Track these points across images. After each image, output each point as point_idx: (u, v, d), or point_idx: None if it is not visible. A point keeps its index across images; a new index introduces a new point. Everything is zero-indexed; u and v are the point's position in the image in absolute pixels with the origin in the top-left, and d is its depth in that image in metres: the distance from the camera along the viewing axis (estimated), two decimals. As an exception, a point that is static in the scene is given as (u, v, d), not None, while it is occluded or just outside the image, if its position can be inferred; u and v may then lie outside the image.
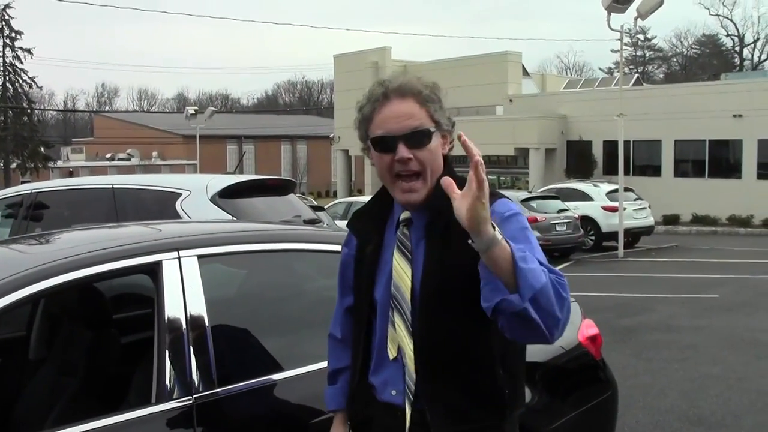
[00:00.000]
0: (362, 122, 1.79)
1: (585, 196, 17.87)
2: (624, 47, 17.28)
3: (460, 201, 1.49)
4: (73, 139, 58.78)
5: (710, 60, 57.80)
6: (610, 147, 24.01)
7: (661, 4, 15.15)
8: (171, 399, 2.09)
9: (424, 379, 1.71)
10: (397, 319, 1.74)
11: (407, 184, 1.72)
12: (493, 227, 1.48)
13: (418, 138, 1.71)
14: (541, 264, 1.55)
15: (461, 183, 1.60)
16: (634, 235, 17.67)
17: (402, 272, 1.75)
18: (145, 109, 75.80)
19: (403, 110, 1.72)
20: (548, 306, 1.51)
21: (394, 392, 1.76)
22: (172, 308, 2.17)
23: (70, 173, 39.31)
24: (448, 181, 1.53)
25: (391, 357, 1.76)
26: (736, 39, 55.44)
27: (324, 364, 2.07)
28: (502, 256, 1.47)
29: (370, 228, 1.86)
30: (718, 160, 24.95)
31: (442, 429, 1.70)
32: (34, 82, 39.80)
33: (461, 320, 1.70)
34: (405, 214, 1.79)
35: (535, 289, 1.48)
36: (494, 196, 1.71)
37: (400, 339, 1.74)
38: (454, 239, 1.67)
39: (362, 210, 1.93)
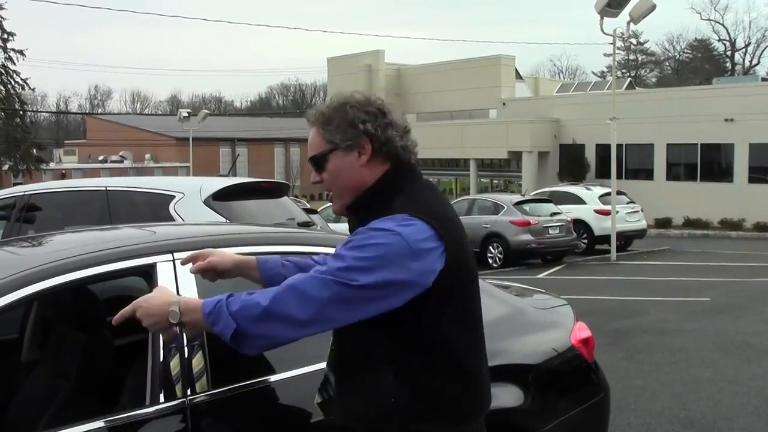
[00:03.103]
0: None
1: (578, 200, 17.94)
2: (617, 51, 17.37)
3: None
4: (65, 141, 58.55)
5: (702, 64, 58.11)
6: (603, 150, 24.13)
7: (653, 8, 15.24)
8: (165, 401, 2.09)
9: (332, 373, 1.90)
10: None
11: (330, 198, 1.90)
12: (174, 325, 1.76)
13: (315, 164, 1.86)
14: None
15: (383, 204, 1.76)
16: (626, 239, 17.76)
17: None
18: (138, 112, 75.56)
19: (310, 138, 1.88)
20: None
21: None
22: (167, 310, 2.17)
23: (63, 175, 39.18)
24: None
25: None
26: (727, 44, 55.82)
27: (319, 365, 2.07)
28: (195, 323, 1.77)
29: None
30: (710, 163, 25.09)
31: (337, 418, 1.85)
32: (27, 83, 39.62)
33: (359, 331, 1.74)
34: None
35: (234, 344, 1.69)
36: (392, 211, 1.75)
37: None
38: None
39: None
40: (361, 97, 1.84)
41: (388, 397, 1.74)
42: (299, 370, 2.33)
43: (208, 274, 2.00)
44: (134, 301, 1.76)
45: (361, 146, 1.80)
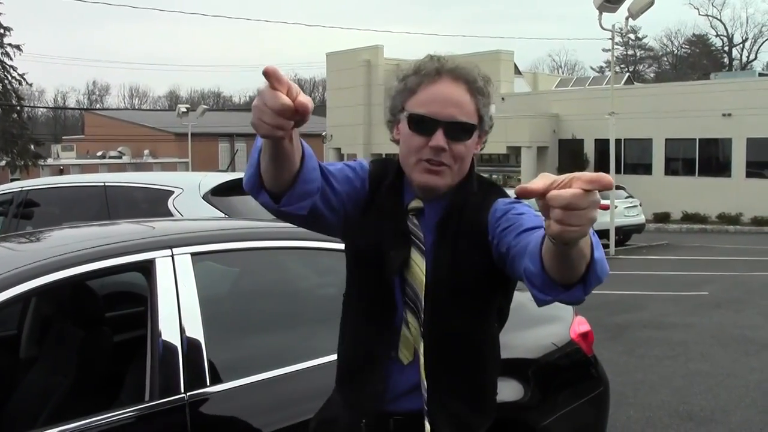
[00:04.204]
0: (402, 92, 1.61)
1: (576, 195, 17.93)
2: (615, 46, 17.35)
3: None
4: (63, 137, 58.38)
5: (700, 59, 58.08)
6: (602, 145, 24.12)
7: (651, 4, 15.21)
8: (164, 396, 2.09)
9: (432, 385, 1.58)
10: (411, 319, 1.58)
11: (434, 167, 1.56)
12: None
13: (460, 130, 1.56)
14: None
15: (483, 183, 1.64)
16: (625, 233, 17.76)
17: (417, 267, 1.58)
18: (137, 107, 75.42)
19: (453, 95, 1.56)
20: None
21: (379, 386, 1.62)
22: (166, 306, 2.17)
23: (61, 171, 39.11)
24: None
25: (405, 361, 1.59)
26: (725, 39, 55.83)
27: (319, 360, 2.07)
28: (586, 244, 1.23)
29: (393, 202, 1.63)
30: (708, 158, 25.11)
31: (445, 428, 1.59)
32: (24, 79, 39.42)
33: (470, 320, 1.61)
34: (416, 203, 1.61)
35: (600, 281, 1.30)
36: (502, 194, 1.65)
37: (415, 341, 1.58)
38: (466, 236, 1.58)
39: (387, 176, 1.65)
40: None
41: (495, 394, 1.69)
42: (299, 365, 2.33)
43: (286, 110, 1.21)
44: None
45: (485, 133, 1.65)
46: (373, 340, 1.62)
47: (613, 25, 16.26)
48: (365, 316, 1.65)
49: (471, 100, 1.57)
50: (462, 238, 1.58)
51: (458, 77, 1.57)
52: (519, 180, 27.69)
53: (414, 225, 1.60)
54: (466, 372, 1.63)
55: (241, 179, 6.26)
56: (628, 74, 41.89)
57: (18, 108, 40.29)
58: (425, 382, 1.56)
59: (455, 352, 1.60)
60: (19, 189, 5.41)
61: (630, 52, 62.83)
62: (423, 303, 1.57)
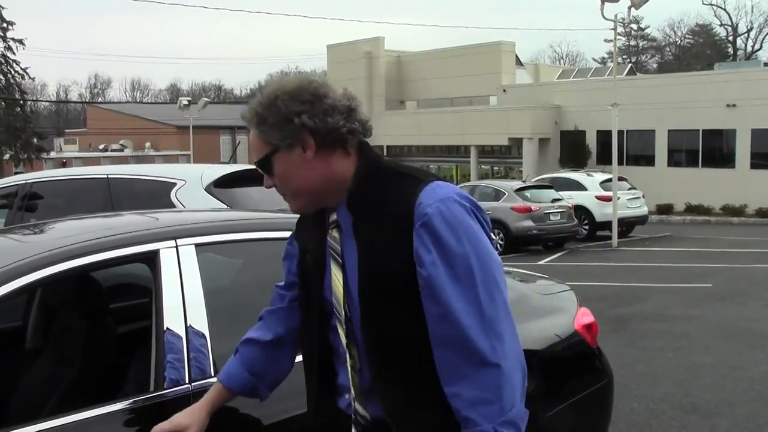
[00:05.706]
0: None
1: (579, 186, 17.93)
2: (617, 37, 17.31)
3: None
4: (66, 130, 58.46)
5: (704, 50, 57.82)
6: (604, 137, 24.11)
7: (655, -7, 15.16)
8: (169, 387, 2.09)
9: (383, 390, 1.61)
10: (341, 331, 1.69)
11: (285, 197, 1.75)
12: None
13: (262, 169, 1.70)
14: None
15: (369, 177, 1.63)
16: (627, 225, 17.77)
17: (335, 278, 1.67)
18: (138, 100, 75.40)
19: (251, 141, 1.69)
20: None
21: (347, 396, 1.72)
22: (170, 297, 2.16)
23: (63, 164, 39.15)
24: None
25: (349, 363, 1.70)
26: (729, 29, 55.57)
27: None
28: None
29: (308, 233, 1.80)
30: (712, 149, 25.06)
31: None
32: (27, 72, 39.47)
33: (409, 321, 1.58)
34: (332, 216, 1.70)
35: None
36: (419, 182, 1.59)
37: (349, 351, 1.68)
38: (382, 235, 1.59)
39: (302, 216, 1.87)
40: (293, 85, 1.63)
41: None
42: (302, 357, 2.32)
43: None
44: None
45: (302, 141, 1.62)
46: (324, 353, 1.76)
47: (615, 15, 16.24)
48: (309, 327, 1.78)
49: (256, 135, 1.66)
50: (380, 236, 1.59)
51: (249, 124, 1.68)
52: (521, 171, 27.68)
53: (332, 239, 1.70)
54: (419, 370, 1.58)
55: (243, 171, 6.29)
56: (630, 65, 41.75)
57: (21, 102, 40.36)
58: (356, 383, 1.66)
59: (403, 356, 1.59)
60: (23, 182, 5.42)
61: (632, 42, 62.59)
62: (343, 313, 1.66)
